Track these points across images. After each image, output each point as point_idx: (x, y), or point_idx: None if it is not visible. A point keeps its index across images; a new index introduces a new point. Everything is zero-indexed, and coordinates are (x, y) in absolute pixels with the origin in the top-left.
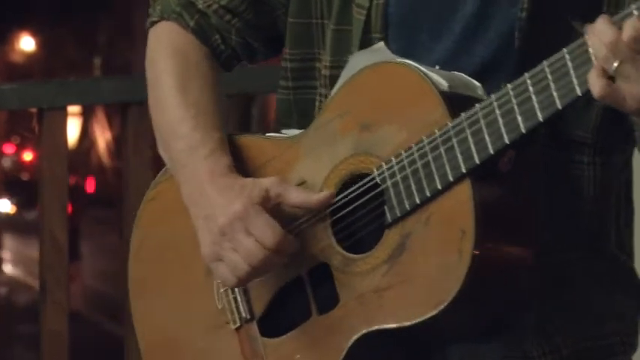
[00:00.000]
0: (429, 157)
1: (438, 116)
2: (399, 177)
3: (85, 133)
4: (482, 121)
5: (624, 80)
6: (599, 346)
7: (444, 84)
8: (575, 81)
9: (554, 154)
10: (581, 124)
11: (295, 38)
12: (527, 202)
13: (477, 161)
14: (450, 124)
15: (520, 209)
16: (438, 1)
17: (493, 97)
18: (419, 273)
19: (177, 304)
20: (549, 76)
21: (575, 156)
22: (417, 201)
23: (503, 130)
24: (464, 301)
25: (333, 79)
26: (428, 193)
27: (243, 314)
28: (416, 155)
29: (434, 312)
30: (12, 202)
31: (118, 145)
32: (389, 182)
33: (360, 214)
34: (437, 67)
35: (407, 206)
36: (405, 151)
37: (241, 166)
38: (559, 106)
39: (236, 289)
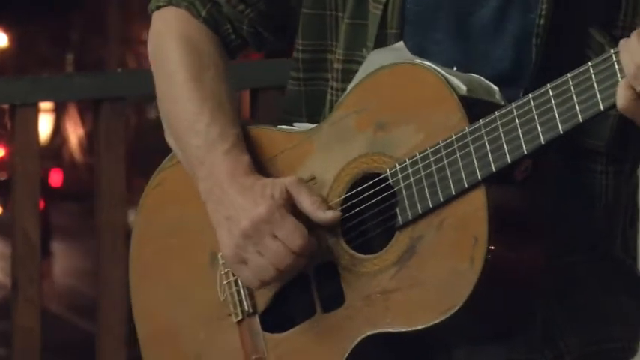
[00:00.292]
0: (445, 161)
1: (455, 121)
2: (412, 179)
3: (58, 129)
4: (500, 130)
5: None
6: (603, 350)
7: (462, 88)
8: (598, 95)
9: (567, 163)
10: (596, 133)
11: (308, 29)
12: (540, 212)
13: (494, 169)
14: (468, 130)
15: (533, 218)
16: (456, 0)
17: (513, 105)
18: (428, 277)
19: (178, 293)
20: (572, 89)
21: (588, 165)
22: (430, 205)
23: (522, 140)
24: (472, 308)
25: (345, 73)
26: (441, 198)
27: (246, 307)
28: (431, 159)
29: (442, 317)
30: None
31: (90, 141)
32: (402, 184)
33: (371, 215)
34: (454, 69)
35: (419, 210)
36: (420, 154)
37: (253, 157)
38: (580, 119)
39: (240, 282)
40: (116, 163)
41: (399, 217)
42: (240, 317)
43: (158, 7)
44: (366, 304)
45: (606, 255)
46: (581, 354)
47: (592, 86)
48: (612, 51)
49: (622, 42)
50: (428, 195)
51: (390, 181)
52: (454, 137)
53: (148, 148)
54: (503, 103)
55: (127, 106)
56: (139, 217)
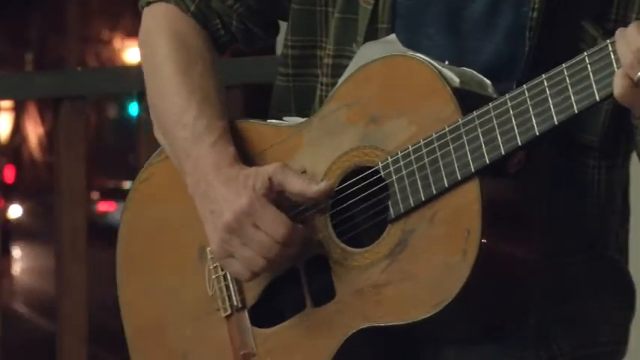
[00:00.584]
0: (437, 153)
1: (448, 113)
2: (404, 172)
3: (17, 127)
4: (494, 121)
5: None
6: (593, 354)
7: (455, 80)
8: (594, 86)
9: (560, 157)
10: (589, 127)
11: (298, 25)
12: (533, 205)
13: (487, 161)
14: (461, 122)
15: (526, 212)
16: None
17: (507, 96)
18: (420, 271)
19: (166, 288)
20: (567, 79)
21: (581, 159)
22: (422, 198)
23: (516, 131)
24: (464, 302)
25: (335, 68)
26: (434, 191)
27: (235, 302)
28: (423, 151)
29: (434, 311)
30: None
31: (50, 139)
32: (394, 177)
33: (362, 208)
34: (446, 63)
35: (411, 202)
36: (412, 146)
37: (241, 151)
38: (576, 110)
39: (228, 277)
40: (76, 161)
41: (391, 210)
42: (228, 312)
43: (148, 4)
44: (356, 298)
45: (601, 256)
46: (573, 357)
47: (588, 76)
48: (608, 41)
49: (618, 31)
50: (420, 188)
51: (382, 173)
52: (447, 129)
53: (107, 147)
54: (495, 96)
55: (87, 105)
56: (126, 211)
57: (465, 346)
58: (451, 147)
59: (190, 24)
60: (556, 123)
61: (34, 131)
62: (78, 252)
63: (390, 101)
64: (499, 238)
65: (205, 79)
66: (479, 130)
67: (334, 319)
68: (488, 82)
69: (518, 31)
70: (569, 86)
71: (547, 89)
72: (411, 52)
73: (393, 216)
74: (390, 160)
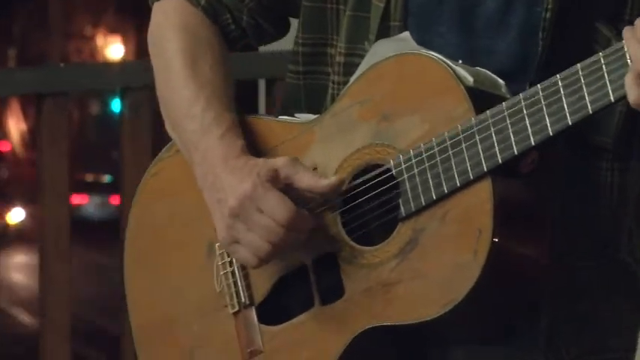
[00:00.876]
0: (450, 152)
1: (461, 111)
2: (416, 171)
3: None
4: (508, 120)
5: None
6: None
7: (469, 79)
8: (609, 86)
9: (573, 158)
10: (602, 129)
11: (309, 22)
12: (546, 206)
13: (500, 161)
14: (474, 121)
15: (539, 212)
16: None
17: (521, 96)
18: (430, 270)
19: (174, 284)
20: (582, 79)
21: (594, 161)
22: (434, 196)
23: (529, 130)
24: (474, 302)
25: (347, 67)
26: (445, 190)
27: (243, 299)
28: (436, 149)
29: (443, 311)
30: None
31: (32, 136)
32: (405, 175)
33: (372, 206)
34: (459, 62)
35: (422, 201)
36: (425, 145)
37: (252, 147)
38: (590, 111)
39: (237, 273)
40: (59, 158)
41: (402, 208)
42: (236, 309)
43: None
44: (365, 296)
45: (613, 258)
46: None
47: (602, 76)
48: (624, 41)
49: (627, 30)
50: (432, 186)
51: (394, 172)
52: (460, 128)
53: (90, 143)
54: (509, 96)
55: (70, 101)
56: (135, 206)
57: (474, 347)
58: (463, 146)
59: (200, 18)
60: (570, 123)
61: (16, 127)
62: (62, 250)
63: (402, 99)
64: (510, 238)
65: (215, 72)
66: (492, 129)
67: (342, 317)
68: (501, 82)
69: (531, 31)
70: (584, 86)
71: (561, 89)
72: (424, 50)
73: (403, 214)
74: (401, 158)
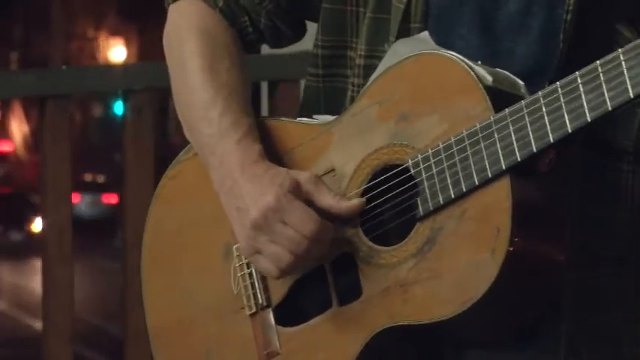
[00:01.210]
0: (468, 151)
1: (480, 110)
2: (434, 170)
3: (2, 125)
4: (527, 118)
5: None
6: None
7: (488, 78)
8: (629, 82)
9: (593, 160)
10: (622, 130)
11: (328, 25)
12: (564, 206)
13: (519, 158)
14: (493, 119)
15: (556, 212)
16: None
17: (540, 93)
18: (448, 269)
19: (191, 286)
20: (602, 76)
21: (614, 163)
22: (452, 195)
23: (548, 128)
24: (491, 302)
25: (367, 69)
26: (464, 188)
27: (260, 300)
28: (454, 148)
29: (461, 309)
30: None
31: (35, 138)
32: (423, 175)
33: (390, 206)
34: (479, 63)
35: (441, 200)
36: (443, 144)
37: (269, 150)
38: (609, 107)
39: (254, 275)
40: (61, 160)
41: (420, 207)
42: (253, 310)
43: (175, 0)
44: (383, 296)
45: (633, 266)
46: None
47: (622, 73)
48: None
49: None
50: (450, 185)
51: (412, 171)
52: (478, 126)
53: (92, 145)
54: (528, 97)
55: (72, 104)
56: (153, 207)
57: (490, 352)
58: (482, 144)
59: (218, 20)
60: (589, 120)
61: (19, 129)
62: (64, 252)
63: (421, 99)
64: (529, 237)
65: (232, 75)
66: (511, 127)
67: (360, 317)
68: (521, 83)
69: (551, 33)
70: (603, 83)
71: (581, 86)
72: (444, 50)
73: (421, 214)
74: (420, 157)
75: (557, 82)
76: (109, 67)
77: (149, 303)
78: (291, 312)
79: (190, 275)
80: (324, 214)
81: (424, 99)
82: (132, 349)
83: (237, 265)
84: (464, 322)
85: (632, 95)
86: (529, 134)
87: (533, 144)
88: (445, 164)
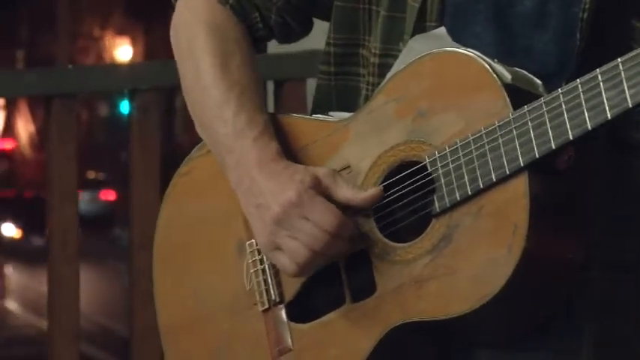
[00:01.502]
0: (486, 147)
1: (499, 108)
2: (451, 166)
3: (8, 125)
4: (546, 115)
5: None
6: None
7: (507, 76)
8: None
9: (612, 158)
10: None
11: (340, 23)
12: (582, 204)
13: (537, 155)
14: (512, 116)
15: (575, 210)
16: None
17: (560, 90)
18: (464, 266)
19: (203, 282)
20: (623, 74)
21: (634, 161)
22: (469, 192)
23: (568, 124)
24: (506, 299)
25: (382, 68)
26: (481, 185)
27: (273, 297)
28: (472, 145)
29: (477, 305)
30: None
31: (41, 137)
32: (440, 171)
33: (406, 202)
34: (495, 60)
35: (457, 197)
36: (461, 141)
37: (285, 146)
38: (630, 104)
39: (267, 271)
40: (67, 159)
41: (436, 204)
42: (266, 306)
43: None
44: (397, 293)
45: None
46: None
47: None
48: None
49: None
50: (467, 182)
51: (430, 169)
52: (497, 124)
53: (98, 144)
54: (547, 95)
55: (78, 103)
56: (165, 204)
57: (501, 352)
58: (500, 140)
59: (228, 16)
60: (609, 117)
61: (25, 128)
62: (69, 251)
63: (439, 96)
64: (546, 235)
65: (243, 72)
66: (529, 124)
67: (373, 314)
68: (539, 82)
69: (568, 31)
70: (624, 80)
71: (601, 84)
72: (462, 48)
73: (437, 210)
74: (437, 155)
75: (578, 80)
76: (115, 67)
77: (160, 300)
78: (304, 308)
79: (202, 272)
80: (342, 208)
81: (442, 96)
82: (138, 347)
83: (250, 261)
84: (478, 320)
85: None
86: (548, 131)
87: (552, 141)
88: (462, 160)
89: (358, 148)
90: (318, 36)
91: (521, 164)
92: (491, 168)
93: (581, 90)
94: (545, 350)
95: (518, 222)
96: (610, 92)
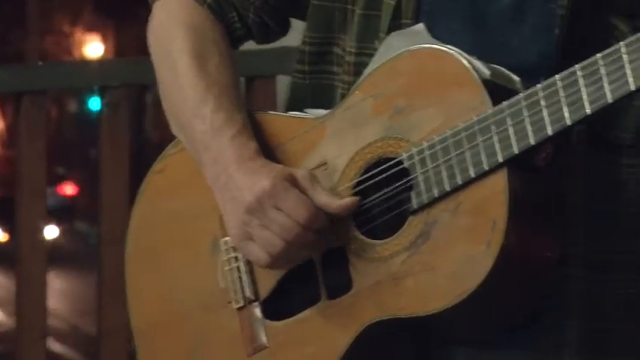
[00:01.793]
0: (464, 143)
1: (477, 104)
2: (429, 162)
3: None
4: (525, 111)
5: None
6: None
7: (486, 72)
8: (629, 74)
9: (592, 156)
10: (620, 124)
11: (316, 22)
12: (560, 201)
13: (516, 151)
14: (490, 112)
15: (555, 207)
16: None
17: (539, 86)
18: (442, 262)
19: (177, 280)
20: (602, 69)
21: (614, 158)
22: (447, 188)
23: (547, 120)
24: (484, 295)
25: (357, 66)
26: (459, 181)
27: (247, 294)
28: (450, 141)
29: (455, 301)
30: None
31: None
32: (418, 167)
33: (383, 199)
34: (474, 57)
35: (435, 193)
36: (438, 137)
37: (263, 143)
38: (609, 99)
39: (242, 269)
40: (37, 156)
41: (414, 201)
42: (241, 304)
43: None
44: (374, 290)
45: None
46: None
47: (623, 66)
48: None
49: None
50: (445, 178)
51: (406, 164)
52: (475, 119)
53: (68, 141)
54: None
55: (48, 99)
56: (139, 202)
57: (480, 349)
58: (479, 136)
59: (206, 16)
60: (589, 113)
61: None
62: (37, 247)
63: (417, 92)
64: (525, 232)
65: (222, 72)
66: (508, 119)
67: (349, 311)
68: (517, 78)
69: (546, 27)
70: (604, 76)
71: (580, 79)
72: (440, 44)
73: (415, 207)
74: (414, 150)
75: (557, 75)
76: (85, 63)
77: (134, 298)
78: (279, 306)
79: (177, 270)
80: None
81: (420, 92)
82: (106, 346)
83: (225, 258)
84: (456, 316)
85: (633, 88)
86: (527, 127)
87: (530, 136)
88: (440, 157)
89: (335, 145)
90: (290, 33)
91: (500, 160)
92: (470, 164)
93: (560, 85)
94: (524, 349)
95: (497, 218)
96: (590, 88)
